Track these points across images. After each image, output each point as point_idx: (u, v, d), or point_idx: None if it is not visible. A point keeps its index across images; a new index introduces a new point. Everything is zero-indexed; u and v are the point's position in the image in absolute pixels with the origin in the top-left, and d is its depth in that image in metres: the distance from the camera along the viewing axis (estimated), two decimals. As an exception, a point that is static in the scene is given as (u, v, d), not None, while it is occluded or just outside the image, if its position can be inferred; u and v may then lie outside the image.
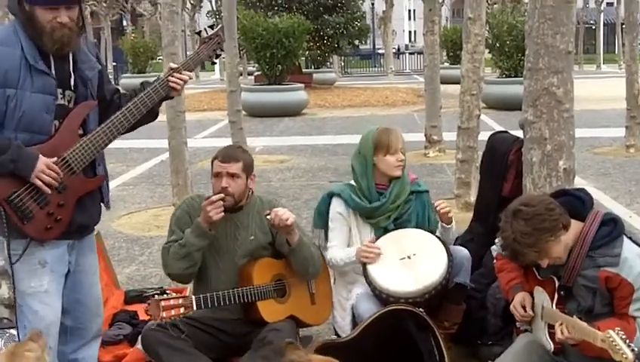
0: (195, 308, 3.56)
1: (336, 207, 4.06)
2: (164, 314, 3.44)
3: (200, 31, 3.50)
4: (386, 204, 3.99)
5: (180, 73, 3.28)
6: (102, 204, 3.27)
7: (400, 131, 4.11)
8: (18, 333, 3.08)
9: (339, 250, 4.01)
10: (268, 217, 3.72)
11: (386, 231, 4.01)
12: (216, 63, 3.76)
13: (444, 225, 4.05)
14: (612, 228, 3.05)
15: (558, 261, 3.05)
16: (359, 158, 4.06)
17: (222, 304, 3.68)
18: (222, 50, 3.51)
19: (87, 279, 3.28)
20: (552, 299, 3.12)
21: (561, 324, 2.96)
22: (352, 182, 4.11)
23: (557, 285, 3.09)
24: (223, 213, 3.66)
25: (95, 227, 3.33)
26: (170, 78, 3.25)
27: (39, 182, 2.91)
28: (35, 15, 2.92)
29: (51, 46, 2.93)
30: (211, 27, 3.52)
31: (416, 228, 4.04)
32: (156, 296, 3.57)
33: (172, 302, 3.48)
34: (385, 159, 3.97)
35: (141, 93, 3.19)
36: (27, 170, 2.89)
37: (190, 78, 3.34)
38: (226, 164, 3.74)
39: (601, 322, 2.92)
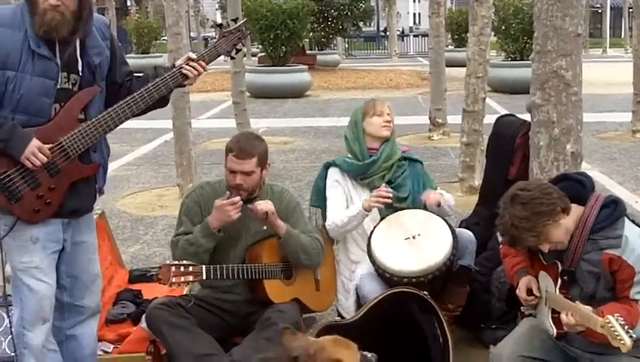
0: (204, 276, 3.59)
1: (332, 175, 4.19)
2: (174, 280, 3.49)
3: (221, 24, 3.45)
4: (379, 162, 4.12)
5: (197, 62, 3.25)
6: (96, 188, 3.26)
7: (385, 100, 4.35)
8: (15, 307, 3.10)
9: (340, 213, 4.06)
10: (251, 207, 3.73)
11: None
12: (235, 58, 3.69)
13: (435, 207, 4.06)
14: (613, 210, 3.03)
15: (560, 245, 3.03)
16: (350, 126, 4.25)
17: (230, 276, 3.70)
18: (243, 45, 3.45)
19: (84, 256, 3.28)
20: (555, 284, 3.11)
21: (567, 314, 2.93)
22: (349, 155, 4.23)
23: (560, 269, 3.08)
24: (240, 213, 3.68)
25: (94, 206, 3.32)
26: (184, 66, 3.22)
27: (29, 163, 2.91)
28: None
29: (38, 28, 2.90)
30: (234, 20, 3.46)
31: (413, 194, 4.14)
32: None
33: (182, 268, 3.52)
34: (372, 121, 4.16)
35: (149, 84, 3.16)
36: (18, 150, 2.89)
37: (205, 70, 3.30)
38: (241, 161, 3.69)
39: (605, 307, 2.90)
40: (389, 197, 3.90)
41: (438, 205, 3.99)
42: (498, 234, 3.55)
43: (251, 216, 3.77)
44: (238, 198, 3.65)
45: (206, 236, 3.68)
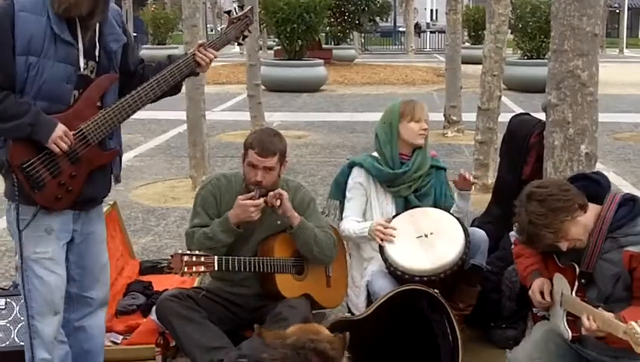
0: (216, 267, 3.59)
1: (356, 177, 4.07)
2: (186, 269, 3.50)
3: (229, 10, 3.47)
4: (409, 172, 4.01)
5: (206, 50, 3.25)
6: (112, 176, 3.27)
7: (424, 105, 4.13)
8: (25, 297, 3.09)
9: (353, 221, 4.01)
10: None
11: (406, 201, 4.03)
12: (242, 45, 3.73)
13: (461, 192, 4.02)
14: (631, 207, 3.02)
15: (578, 243, 3.01)
16: (384, 127, 4.08)
17: (242, 269, 3.71)
18: (249, 32, 3.48)
19: (94, 248, 3.29)
20: (572, 287, 3.08)
21: (589, 317, 2.89)
22: (375, 153, 4.12)
23: (578, 272, 3.05)
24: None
25: (105, 198, 3.33)
26: (197, 53, 3.23)
27: (56, 148, 2.91)
28: None
29: (58, 7, 2.89)
30: (241, 7, 3.48)
31: (435, 202, 4.07)
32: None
33: (194, 258, 3.53)
34: (409, 126, 4.00)
35: (164, 70, 3.17)
36: (45, 135, 2.89)
37: (215, 57, 3.31)
38: (263, 159, 3.68)
39: (626, 311, 2.86)
40: (391, 236, 3.82)
41: (470, 184, 3.98)
42: (513, 233, 3.55)
43: (266, 209, 3.76)
44: (261, 200, 3.66)
45: (225, 231, 3.69)
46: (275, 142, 3.76)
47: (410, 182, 4.03)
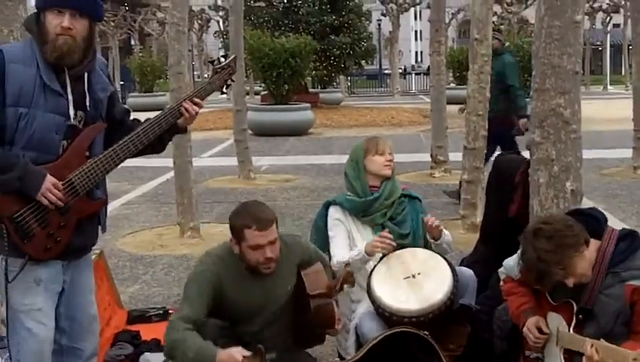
0: None
1: (333, 214, 4.16)
2: None
3: (214, 60, 3.50)
4: (380, 199, 4.11)
5: (193, 101, 3.27)
6: (99, 226, 3.25)
7: (387, 139, 4.33)
8: (9, 350, 3.04)
9: (344, 251, 4.02)
10: None
11: (384, 228, 4.04)
12: (225, 94, 3.77)
13: (434, 242, 4.04)
14: (630, 242, 3.04)
15: (584, 278, 3.01)
16: (351, 164, 4.24)
17: None
18: (233, 81, 3.53)
19: (83, 298, 3.26)
20: (569, 324, 3.06)
21: (592, 346, 2.87)
22: (348, 193, 4.22)
23: (575, 309, 3.03)
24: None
25: (93, 247, 3.30)
26: (182, 104, 3.24)
27: (45, 201, 2.90)
28: (45, 23, 2.93)
29: (50, 54, 2.91)
30: (224, 57, 3.52)
31: (413, 230, 4.12)
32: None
33: None
34: (374, 159, 4.15)
35: (151, 119, 3.18)
36: (34, 188, 2.89)
37: (202, 107, 3.33)
38: (266, 232, 3.41)
39: (626, 344, 2.85)
40: (391, 244, 3.85)
41: (439, 231, 3.97)
42: (502, 270, 3.53)
43: (279, 282, 3.58)
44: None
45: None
46: (266, 210, 3.52)
47: (384, 209, 4.12)
